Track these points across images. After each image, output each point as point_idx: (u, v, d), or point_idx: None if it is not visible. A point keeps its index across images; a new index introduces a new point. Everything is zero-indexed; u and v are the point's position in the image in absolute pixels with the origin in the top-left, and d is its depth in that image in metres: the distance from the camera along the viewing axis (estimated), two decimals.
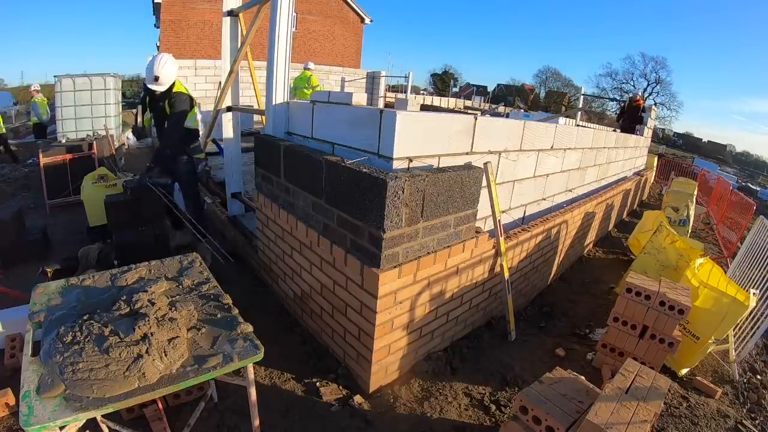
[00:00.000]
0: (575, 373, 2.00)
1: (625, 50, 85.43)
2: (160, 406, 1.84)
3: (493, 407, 2.25)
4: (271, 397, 2.11)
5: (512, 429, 1.79)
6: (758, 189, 18.05)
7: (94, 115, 7.41)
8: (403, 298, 2.11)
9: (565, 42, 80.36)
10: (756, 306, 2.95)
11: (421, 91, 31.85)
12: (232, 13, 3.84)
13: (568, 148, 3.84)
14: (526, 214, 3.47)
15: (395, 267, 1.98)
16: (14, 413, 1.89)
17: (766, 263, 3.87)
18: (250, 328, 1.50)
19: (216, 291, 1.70)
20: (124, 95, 14.54)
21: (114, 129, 7.56)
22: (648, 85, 35.72)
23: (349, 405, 2.11)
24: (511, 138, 2.89)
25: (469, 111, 13.57)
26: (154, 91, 3.31)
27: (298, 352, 2.51)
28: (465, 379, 2.44)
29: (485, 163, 2.47)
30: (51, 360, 1.22)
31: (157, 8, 10.98)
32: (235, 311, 1.59)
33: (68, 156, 4.91)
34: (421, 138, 2.13)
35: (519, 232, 2.99)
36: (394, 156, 2.01)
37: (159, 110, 3.42)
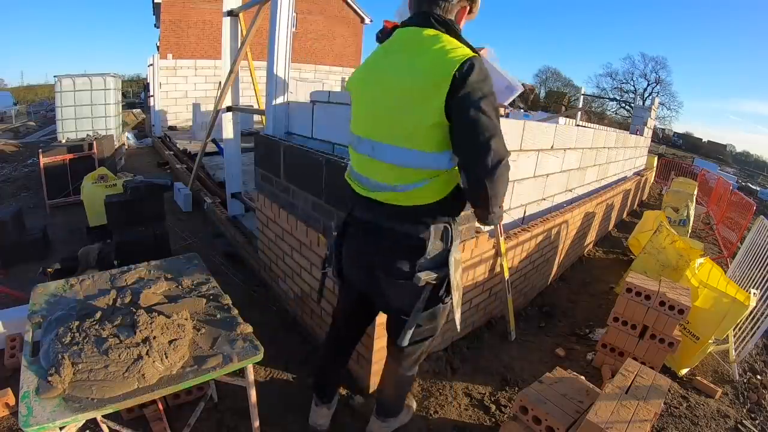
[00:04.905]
0: (575, 373, 2.00)
1: (625, 50, 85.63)
2: (160, 406, 1.84)
3: (493, 407, 2.25)
4: (271, 397, 2.11)
5: (512, 429, 1.79)
6: (758, 189, 18.06)
7: (94, 115, 7.41)
8: None
9: (565, 42, 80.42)
10: (756, 306, 2.95)
11: None
12: (232, 13, 3.84)
13: (568, 148, 3.84)
14: (526, 214, 3.47)
15: None
16: (14, 413, 1.89)
17: (766, 263, 3.87)
18: (249, 328, 1.49)
19: (216, 291, 1.70)
20: (124, 95, 14.55)
21: (114, 129, 7.56)
22: (648, 85, 35.78)
23: (350, 405, 2.11)
24: (511, 138, 2.88)
25: None
26: None
27: (299, 352, 2.51)
28: (465, 379, 2.44)
29: None
30: (50, 361, 1.22)
31: (157, 8, 10.96)
32: (235, 311, 1.59)
33: (68, 156, 4.91)
34: None
35: (519, 232, 2.99)
36: None
37: None
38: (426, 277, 1.30)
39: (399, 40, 1.31)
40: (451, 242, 1.34)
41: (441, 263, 1.34)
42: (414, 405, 2.13)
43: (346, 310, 1.77)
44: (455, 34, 1.26)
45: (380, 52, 1.36)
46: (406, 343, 1.39)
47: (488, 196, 1.21)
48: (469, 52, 1.18)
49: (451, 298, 1.39)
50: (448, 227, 1.34)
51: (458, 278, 1.39)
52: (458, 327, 1.49)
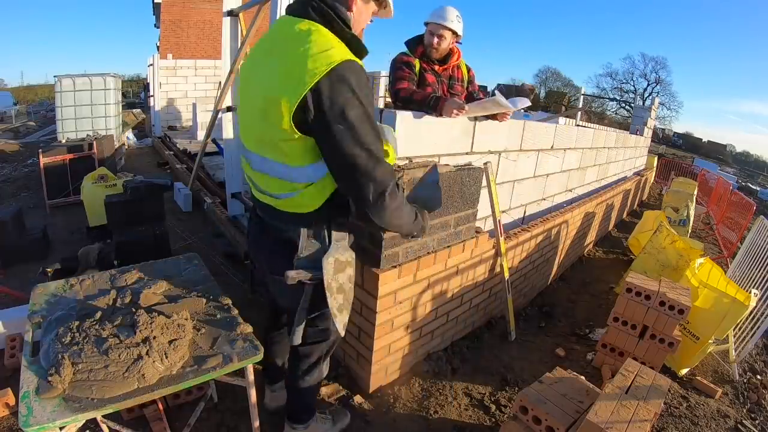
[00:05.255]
0: (575, 373, 2.00)
1: (625, 50, 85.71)
2: (160, 406, 1.84)
3: (493, 407, 2.25)
4: None
5: (512, 429, 1.79)
6: (758, 189, 18.06)
7: (94, 115, 7.40)
8: (403, 298, 2.11)
9: (565, 42, 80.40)
10: (756, 306, 2.95)
11: None
12: (232, 13, 3.84)
13: (568, 148, 3.84)
14: (526, 214, 3.48)
15: (395, 267, 1.98)
16: (14, 413, 1.89)
17: (766, 263, 3.88)
18: (249, 328, 1.49)
19: (216, 291, 1.70)
20: (124, 95, 14.55)
21: (114, 129, 7.55)
22: (648, 85, 35.80)
23: (350, 405, 2.11)
24: (511, 138, 2.88)
25: None
26: None
27: None
28: (465, 379, 2.44)
29: (485, 163, 2.47)
30: (50, 361, 1.22)
31: (157, 8, 10.94)
32: (235, 311, 1.59)
33: (68, 156, 4.90)
34: (421, 138, 2.13)
35: (519, 232, 2.99)
36: None
37: None
38: (296, 275, 1.27)
39: (275, 33, 1.19)
40: (330, 243, 1.31)
41: (318, 263, 1.28)
42: (342, 424, 1.92)
43: (269, 296, 1.80)
44: (335, 26, 1.10)
45: (265, 45, 1.23)
46: (296, 341, 1.38)
47: (384, 228, 1.20)
48: (337, 57, 1.02)
49: (328, 302, 1.31)
50: (326, 228, 1.31)
51: (341, 281, 1.32)
52: (341, 332, 1.38)
